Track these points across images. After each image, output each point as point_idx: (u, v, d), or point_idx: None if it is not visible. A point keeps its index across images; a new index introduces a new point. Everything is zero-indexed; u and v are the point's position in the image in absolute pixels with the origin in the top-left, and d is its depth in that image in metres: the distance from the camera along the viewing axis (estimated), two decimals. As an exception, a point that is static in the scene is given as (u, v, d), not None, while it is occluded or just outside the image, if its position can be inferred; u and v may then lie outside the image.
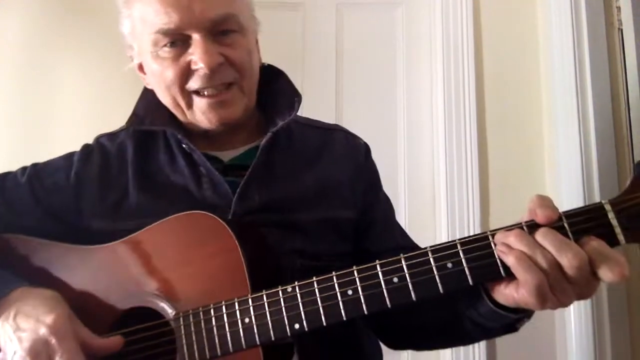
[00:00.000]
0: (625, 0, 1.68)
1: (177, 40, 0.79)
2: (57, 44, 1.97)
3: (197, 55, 0.77)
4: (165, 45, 0.79)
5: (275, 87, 0.93)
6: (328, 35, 2.00)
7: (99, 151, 0.89)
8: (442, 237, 1.82)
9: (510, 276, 0.60)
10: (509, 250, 0.59)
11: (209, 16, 0.78)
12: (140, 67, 0.89)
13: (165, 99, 0.84)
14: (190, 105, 0.82)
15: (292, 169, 0.88)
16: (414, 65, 2.00)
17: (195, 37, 0.78)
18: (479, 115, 1.87)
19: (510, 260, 0.59)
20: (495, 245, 0.61)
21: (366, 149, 0.98)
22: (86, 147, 0.91)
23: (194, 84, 0.80)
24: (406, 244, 0.94)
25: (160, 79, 0.81)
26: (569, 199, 1.68)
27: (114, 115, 1.93)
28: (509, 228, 0.62)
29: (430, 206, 1.90)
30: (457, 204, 1.80)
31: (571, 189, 1.68)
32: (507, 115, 1.88)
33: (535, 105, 1.88)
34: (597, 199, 1.63)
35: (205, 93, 0.80)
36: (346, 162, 0.92)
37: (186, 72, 0.79)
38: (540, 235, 0.59)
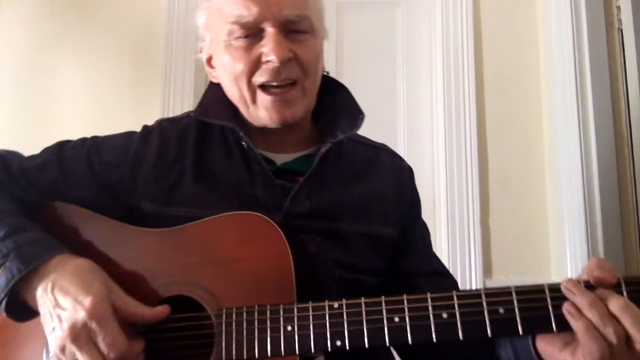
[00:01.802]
0: (625, 0, 1.68)
1: (251, 34, 0.80)
2: (57, 44, 1.98)
3: (268, 47, 0.79)
4: (239, 37, 0.81)
5: (336, 100, 0.93)
6: (328, 35, 2.00)
7: (159, 134, 0.89)
8: (442, 238, 1.82)
9: (561, 331, 0.60)
10: (579, 315, 0.59)
11: (285, 14, 0.80)
12: (209, 61, 0.90)
13: (231, 90, 0.85)
14: (254, 100, 0.83)
15: (341, 180, 0.89)
16: (414, 65, 2.00)
17: (269, 30, 0.79)
18: (479, 116, 1.87)
19: (579, 326, 0.59)
20: (550, 299, 0.61)
21: (410, 171, 0.99)
22: (146, 128, 0.92)
23: (260, 77, 0.81)
24: (441, 271, 0.95)
25: (230, 70, 0.82)
26: (568, 199, 1.69)
27: (114, 115, 1.94)
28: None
29: (430, 206, 1.90)
30: (457, 204, 1.80)
31: (571, 189, 1.68)
32: (507, 116, 1.88)
33: (535, 105, 1.88)
34: (597, 199, 1.64)
35: (271, 89, 0.82)
36: (391, 181, 0.94)
37: (255, 65, 0.81)
38: (618, 307, 0.59)
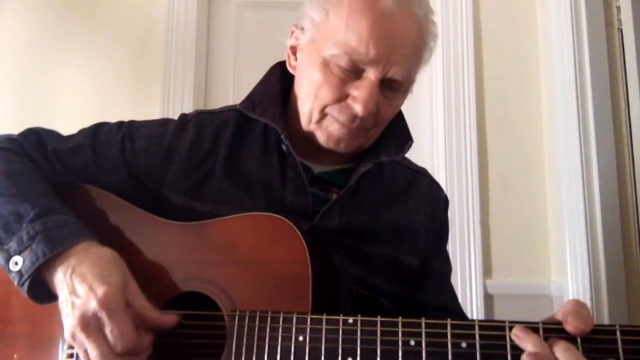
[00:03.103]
0: (625, 0, 1.68)
1: (354, 70, 0.77)
2: (57, 44, 1.98)
3: (359, 96, 0.76)
4: (341, 66, 0.77)
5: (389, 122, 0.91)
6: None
7: (195, 126, 0.88)
8: (442, 237, 1.82)
9: None
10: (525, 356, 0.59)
11: (394, 72, 0.77)
12: (293, 49, 0.87)
13: (304, 98, 0.83)
14: (319, 121, 0.81)
15: (376, 203, 0.88)
16: (414, 65, 1.99)
17: (370, 77, 0.77)
18: (479, 116, 1.87)
19: None
20: (581, 340, 0.59)
21: (446, 202, 0.99)
22: (183, 118, 0.91)
23: (337, 113, 0.79)
24: (455, 309, 0.94)
25: (314, 87, 0.80)
26: (568, 199, 1.69)
27: (114, 115, 1.94)
28: (600, 329, 0.60)
29: (430, 206, 1.89)
30: (457, 204, 1.80)
31: (571, 189, 1.68)
32: (507, 116, 1.88)
33: (535, 106, 1.88)
34: (597, 199, 1.64)
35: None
36: (425, 209, 0.93)
37: (340, 99, 0.79)
38: (559, 349, 0.58)
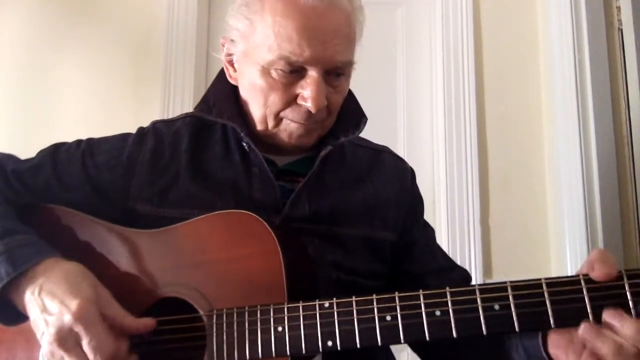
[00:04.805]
0: (625, 0, 1.68)
1: (294, 70, 0.78)
2: (57, 44, 1.98)
3: (309, 93, 0.78)
4: (282, 71, 0.78)
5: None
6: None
7: (154, 135, 0.89)
8: (442, 238, 1.81)
9: (559, 327, 0.59)
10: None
11: (335, 61, 0.78)
12: (229, 60, 0.87)
13: (254, 107, 0.84)
14: (277, 125, 0.83)
15: (342, 184, 0.89)
16: (414, 65, 1.99)
17: (313, 74, 0.78)
18: (479, 115, 1.87)
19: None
20: (548, 294, 0.60)
21: (412, 173, 0.99)
22: (141, 130, 0.91)
23: (292, 115, 0.81)
24: (446, 265, 0.95)
25: (262, 95, 0.81)
26: (568, 199, 1.69)
27: (115, 115, 1.94)
28: (565, 280, 0.60)
29: (430, 206, 1.89)
30: (457, 204, 1.80)
31: (571, 189, 1.68)
32: (507, 116, 1.88)
33: (535, 105, 1.88)
34: (597, 199, 1.64)
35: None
36: (393, 184, 0.94)
37: (290, 102, 0.80)
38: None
